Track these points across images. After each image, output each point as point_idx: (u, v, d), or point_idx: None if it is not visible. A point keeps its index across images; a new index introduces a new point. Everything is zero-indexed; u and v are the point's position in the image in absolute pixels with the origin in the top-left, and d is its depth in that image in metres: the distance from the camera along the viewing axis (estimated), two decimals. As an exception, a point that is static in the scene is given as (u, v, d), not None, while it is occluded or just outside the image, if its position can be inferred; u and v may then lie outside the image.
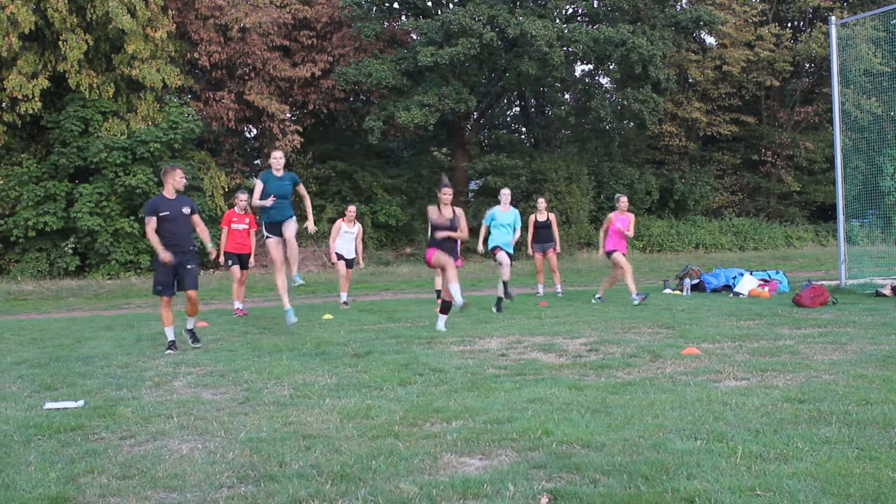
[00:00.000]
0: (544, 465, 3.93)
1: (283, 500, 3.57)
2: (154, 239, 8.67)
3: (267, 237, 10.05)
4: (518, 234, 12.65)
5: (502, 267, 11.99)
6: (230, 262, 12.67)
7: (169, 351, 8.46)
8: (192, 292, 8.74)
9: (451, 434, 4.56)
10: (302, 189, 10.33)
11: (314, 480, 3.80)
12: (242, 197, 12.72)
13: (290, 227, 10.04)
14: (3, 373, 7.37)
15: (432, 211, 9.76)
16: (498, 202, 12.79)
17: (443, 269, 9.71)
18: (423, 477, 3.82)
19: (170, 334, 8.68)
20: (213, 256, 9.87)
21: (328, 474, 3.87)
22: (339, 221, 13.64)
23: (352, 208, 13.83)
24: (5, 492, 3.77)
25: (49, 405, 5.74)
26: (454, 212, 9.79)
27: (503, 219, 12.47)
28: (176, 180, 8.70)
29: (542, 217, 14.55)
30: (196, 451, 4.43)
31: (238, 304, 12.68)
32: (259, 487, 3.76)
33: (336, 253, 13.62)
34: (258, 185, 9.93)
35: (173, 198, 8.71)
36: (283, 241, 10.03)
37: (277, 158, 10.21)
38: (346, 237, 13.54)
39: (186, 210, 8.74)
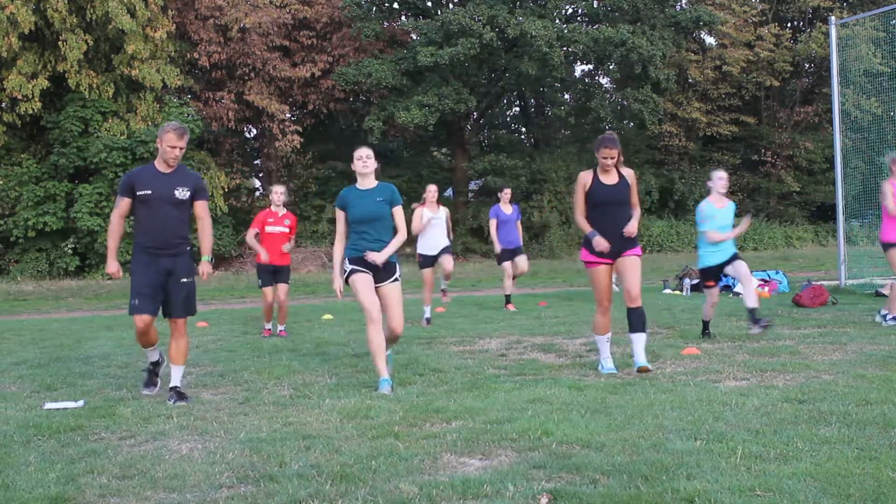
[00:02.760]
0: (544, 465, 3.93)
1: (282, 501, 3.56)
2: (111, 237, 5.86)
3: (353, 270, 6.19)
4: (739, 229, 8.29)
5: (744, 285, 8.30)
6: (261, 283, 9.74)
7: (146, 391, 6.10)
8: (181, 321, 5.93)
9: (451, 434, 4.55)
10: (400, 215, 6.34)
11: (314, 480, 3.80)
12: (279, 189, 9.86)
13: (390, 281, 6.28)
14: (3, 373, 7.36)
15: (586, 178, 6.39)
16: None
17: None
18: (423, 477, 3.82)
19: (152, 354, 6.18)
20: (204, 277, 6.21)
21: (328, 474, 3.87)
22: (418, 209, 10.42)
23: (432, 187, 10.68)
24: (5, 492, 3.76)
25: (49, 405, 5.73)
26: (620, 175, 6.45)
27: (723, 218, 8.21)
28: (164, 148, 5.70)
29: None
30: (196, 451, 4.43)
31: (273, 326, 9.86)
32: (259, 487, 3.76)
33: (420, 254, 10.59)
34: (340, 215, 6.36)
35: (166, 171, 5.78)
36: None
37: (364, 159, 6.32)
38: (434, 225, 10.45)
39: (183, 193, 5.75)
